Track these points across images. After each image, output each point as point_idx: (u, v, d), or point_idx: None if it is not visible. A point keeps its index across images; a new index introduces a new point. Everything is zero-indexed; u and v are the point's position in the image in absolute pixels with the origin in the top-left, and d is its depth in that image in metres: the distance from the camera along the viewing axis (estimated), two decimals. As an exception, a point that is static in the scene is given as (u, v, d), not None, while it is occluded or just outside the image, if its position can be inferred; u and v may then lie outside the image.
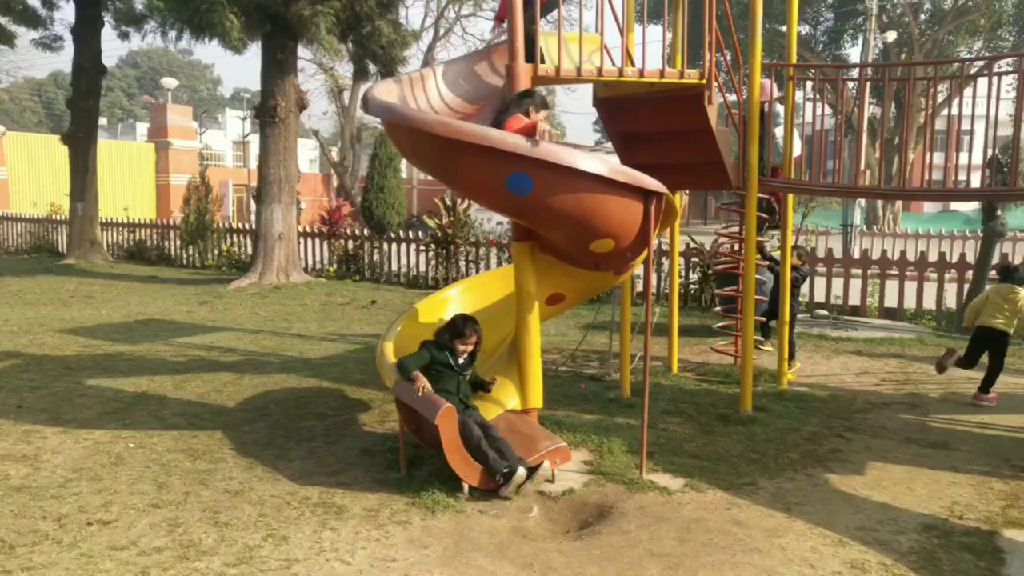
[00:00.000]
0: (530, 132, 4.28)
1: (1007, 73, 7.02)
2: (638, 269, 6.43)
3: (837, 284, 11.32)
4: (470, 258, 14.07)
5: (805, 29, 32.89)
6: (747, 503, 4.45)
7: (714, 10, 5.63)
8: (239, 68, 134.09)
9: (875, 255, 11.36)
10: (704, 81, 5.61)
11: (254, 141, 24.76)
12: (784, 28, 8.16)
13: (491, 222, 19.10)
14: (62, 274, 15.75)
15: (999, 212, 10.44)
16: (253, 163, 28.95)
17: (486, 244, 14.03)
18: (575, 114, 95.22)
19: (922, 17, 32.31)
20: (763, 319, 8.34)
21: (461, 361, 4.87)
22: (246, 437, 5.56)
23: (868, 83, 8.35)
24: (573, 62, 5.05)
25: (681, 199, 8.03)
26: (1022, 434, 5.93)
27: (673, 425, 5.97)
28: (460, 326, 4.88)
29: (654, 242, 5.19)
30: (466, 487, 4.45)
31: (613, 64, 5.34)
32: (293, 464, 5.02)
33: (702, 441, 5.58)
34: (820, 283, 11.33)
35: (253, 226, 15.84)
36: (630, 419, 6.02)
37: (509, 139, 4.24)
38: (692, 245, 11.65)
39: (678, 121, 6.03)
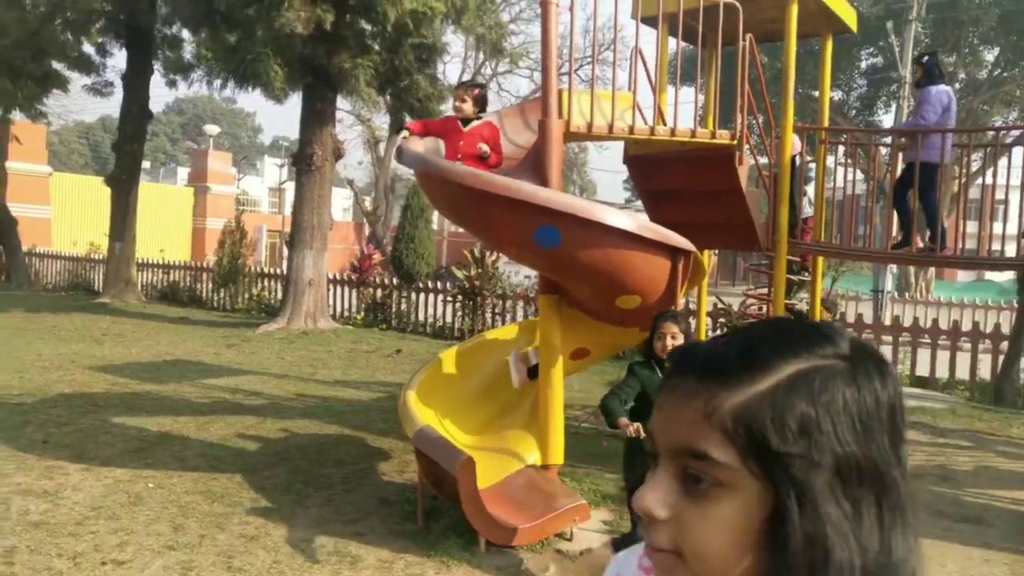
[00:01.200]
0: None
1: (1043, 143, 6.98)
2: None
3: (868, 350, 11.10)
4: (496, 310, 14.07)
5: (838, 95, 33.00)
6: (771, 572, 4.31)
7: (747, 73, 5.69)
8: (279, 117, 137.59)
9: (907, 322, 11.18)
10: (735, 142, 5.65)
11: (290, 188, 25.28)
12: (816, 93, 8.20)
13: (519, 275, 19.13)
14: (96, 312, 16.02)
15: (1036, 282, 10.26)
16: (288, 209, 29.53)
17: (513, 297, 14.05)
18: (605, 172, 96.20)
19: (956, 86, 32.33)
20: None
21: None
22: (265, 482, 5.54)
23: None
24: (605, 119, 5.12)
25: (710, 259, 8.00)
26: (1061, 512, 5.72)
27: (696, 487, 5.83)
28: (662, 316, 4.24)
29: (681, 300, 5.16)
30: (483, 542, 4.38)
31: (645, 122, 5.41)
32: (310, 511, 4.98)
33: (726, 505, 5.44)
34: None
35: (284, 271, 16.05)
36: (653, 479, 5.90)
37: (540, 192, 4.29)
38: (720, 305, 11.56)
39: (708, 181, 6.06)
